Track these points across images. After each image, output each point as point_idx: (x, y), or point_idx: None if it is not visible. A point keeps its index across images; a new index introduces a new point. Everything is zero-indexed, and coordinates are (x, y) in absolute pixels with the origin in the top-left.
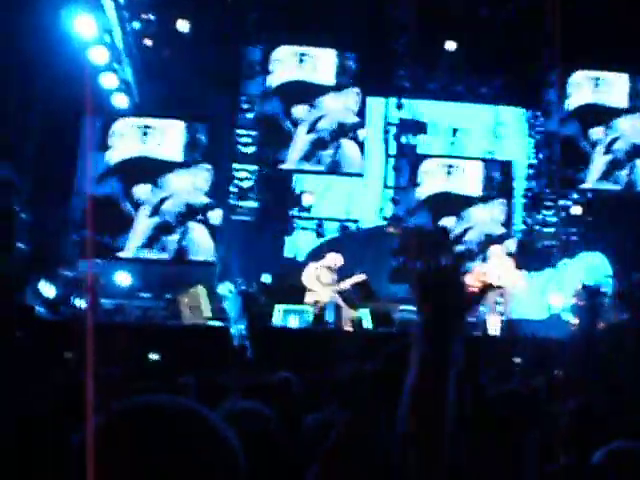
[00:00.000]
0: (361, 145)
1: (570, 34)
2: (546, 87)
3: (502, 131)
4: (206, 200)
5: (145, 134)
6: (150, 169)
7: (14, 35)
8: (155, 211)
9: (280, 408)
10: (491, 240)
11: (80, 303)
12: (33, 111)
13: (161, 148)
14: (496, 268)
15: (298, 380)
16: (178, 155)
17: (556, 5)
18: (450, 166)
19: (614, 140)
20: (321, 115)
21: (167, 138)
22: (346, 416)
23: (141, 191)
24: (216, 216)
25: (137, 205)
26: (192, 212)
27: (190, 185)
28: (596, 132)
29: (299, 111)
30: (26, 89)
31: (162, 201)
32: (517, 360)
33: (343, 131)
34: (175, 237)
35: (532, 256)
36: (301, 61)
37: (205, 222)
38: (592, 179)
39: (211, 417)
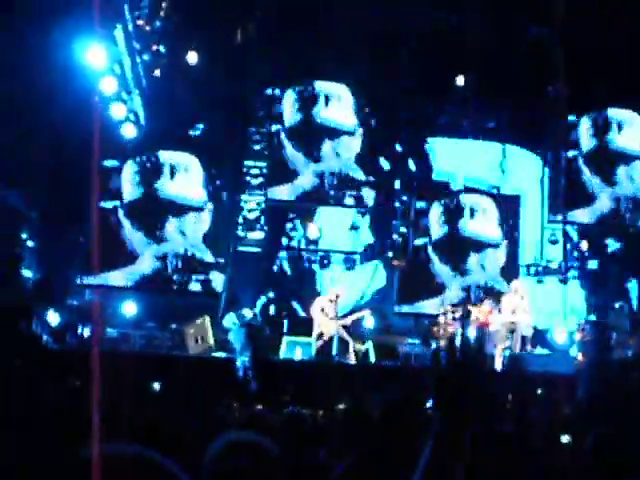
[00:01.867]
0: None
1: (581, 75)
2: (554, 127)
3: (510, 164)
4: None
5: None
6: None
7: (26, 65)
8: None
9: (287, 442)
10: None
11: (85, 332)
12: (43, 140)
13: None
14: (512, 303)
15: (307, 415)
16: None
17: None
18: (472, 209)
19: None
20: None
21: (186, 178)
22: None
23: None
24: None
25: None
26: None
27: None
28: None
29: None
30: (36, 118)
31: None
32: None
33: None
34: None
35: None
36: (314, 101)
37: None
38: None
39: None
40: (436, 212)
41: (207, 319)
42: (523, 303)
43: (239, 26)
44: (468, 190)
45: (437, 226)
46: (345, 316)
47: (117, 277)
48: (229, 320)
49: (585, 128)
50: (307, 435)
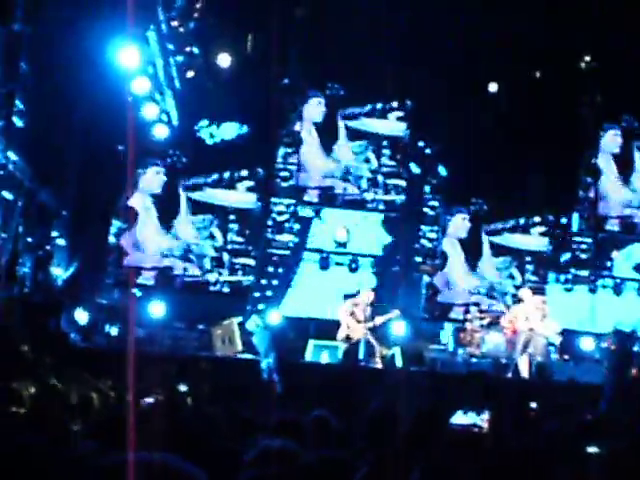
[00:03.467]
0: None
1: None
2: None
3: None
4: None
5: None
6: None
7: (60, 65)
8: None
9: (313, 446)
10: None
11: (113, 331)
12: (76, 139)
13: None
14: (525, 310)
15: (334, 418)
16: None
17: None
18: None
19: None
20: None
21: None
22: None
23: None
24: None
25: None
26: None
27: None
28: None
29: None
30: (68, 117)
31: None
32: (533, 405)
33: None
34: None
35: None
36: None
37: None
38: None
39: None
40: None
41: (234, 321)
42: (538, 311)
43: (273, 28)
44: None
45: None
46: (374, 317)
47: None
48: (252, 322)
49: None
50: (332, 437)
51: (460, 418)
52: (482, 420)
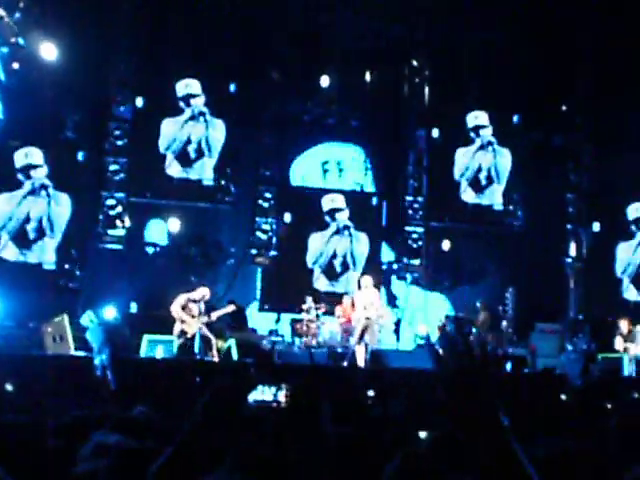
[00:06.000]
0: None
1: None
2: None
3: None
4: None
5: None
6: None
7: None
8: None
9: (141, 442)
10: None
11: None
12: None
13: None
14: (364, 299)
15: (157, 414)
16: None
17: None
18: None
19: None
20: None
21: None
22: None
23: None
24: None
25: None
26: None
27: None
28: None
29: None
30: None
31: None
32: (370, 393)
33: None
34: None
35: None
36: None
37: None
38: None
39: None
40: None
41: (65, 317)
42: (374, 299)
43: (101, 21)
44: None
45: None
46: (209, 312)
47: None
48: (87, 318)
49: None
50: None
51: (259, 394)
52: (280, 395)
